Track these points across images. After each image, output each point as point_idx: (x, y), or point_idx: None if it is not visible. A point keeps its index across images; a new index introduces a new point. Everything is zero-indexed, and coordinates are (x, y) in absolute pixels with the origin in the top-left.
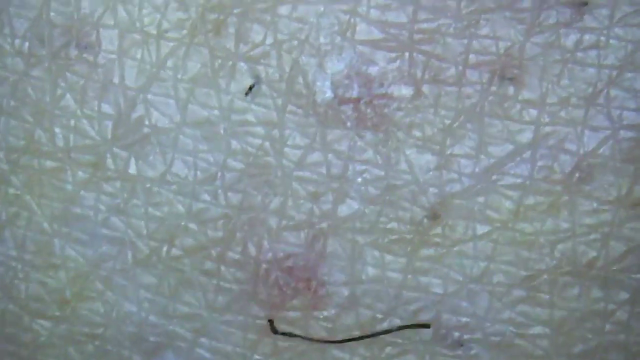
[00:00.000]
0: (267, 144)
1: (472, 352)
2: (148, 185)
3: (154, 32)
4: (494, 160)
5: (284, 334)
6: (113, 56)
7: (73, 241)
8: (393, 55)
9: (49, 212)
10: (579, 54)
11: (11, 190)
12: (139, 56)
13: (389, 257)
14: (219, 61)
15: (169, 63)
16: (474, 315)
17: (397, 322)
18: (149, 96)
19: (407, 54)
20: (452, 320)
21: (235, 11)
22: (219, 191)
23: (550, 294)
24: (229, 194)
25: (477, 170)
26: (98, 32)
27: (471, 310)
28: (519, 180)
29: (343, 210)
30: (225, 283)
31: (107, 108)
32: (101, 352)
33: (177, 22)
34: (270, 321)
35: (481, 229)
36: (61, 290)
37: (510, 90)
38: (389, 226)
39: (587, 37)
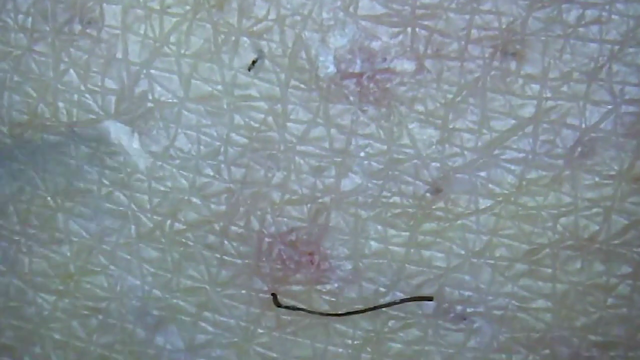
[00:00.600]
0: (270, 118)
1: (475, 325)
2: (151, 160)
3: (157, 7)
4: (496, 135)
5: (287, 307)
6: (116, 31)
7: (76, 215)
8: (395, 30)
9: (53, 186)
10: (581, 29)
11: (15, 165)
12: (142, 31)
13: (391, 231)
14: (222, 36)
15: (172, 38)
16: (476, 289)
17: (400, 295)
18: (152, 71)
19: (409, 29)
20: (454, 294)
21: None
22: (222, 165)
23: (552, 267)
24: (232, 168)
25: (479, 144)
26: (101, 7)
27: (474, 284)
28: (521, 155)
29: (346, 184)
30: (228, 257)
31: (110, 83)
32: (105, 325)
33: None
34: (274, 294)
35: (484, 203)
36: (65, 264)
37: (513, 65)
38: (391, 200)
39: (589, 12)
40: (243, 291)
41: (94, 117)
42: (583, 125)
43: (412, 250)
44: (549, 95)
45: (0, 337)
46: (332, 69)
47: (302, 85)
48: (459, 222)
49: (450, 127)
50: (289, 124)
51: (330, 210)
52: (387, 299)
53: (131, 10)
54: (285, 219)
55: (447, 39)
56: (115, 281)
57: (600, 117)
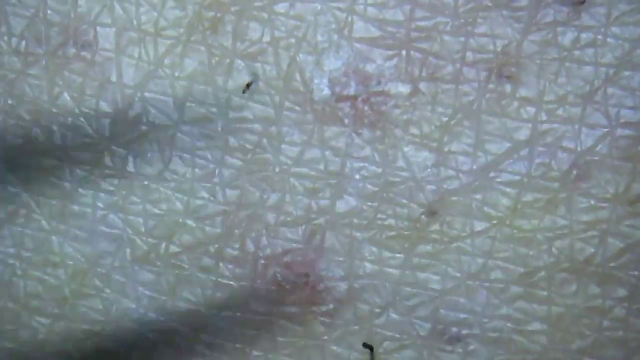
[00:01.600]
0: (264, 140)
1: (470, 347)
2: (146, 183)
3: (151, 30)
4: (491, 158)
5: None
6: (110, 54)
7: (71, 239)
8: (390, 52)
9: (47, 210)
10: (576, 52)
11: (9, 188)
12: (136, 54)
13: (386, 253)
14: (216, 59)
15: (167, 61)
16: (471, 311)
17: (395, 317)
18: (147, 94)
19: (404, 52)
20: (450, 315)
21: (232, 9)
22: (217, 188)
23: (547, 290)
24: (227, 190)
25: (474, 167)
26: (95, 30)
27: (469, 306)
28: (516, 178)
29: (341, 206)
30: (223, 279)
31: (104, 106)
32: (100, 348)
33: (175, 20)
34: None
35: (479, 226)
36: (60, 287)
37: (508, 88)
38: (386, 222)
39: (584, 35)
40: (238, 313)
41: (88, 140)
42: (578, 149)
43: (407, 272)
44: (544, 118)
45: None
46: (326, 91)
47: (297, 108)
48: (454, 244)
49: (445, 149)
50: (283, 146)
51: (325, 231)
52: (382, 320)
53: (125, 33)
54: (280, 241)
55: (442, 61)
56: (110, 304)
57: (596, 140)
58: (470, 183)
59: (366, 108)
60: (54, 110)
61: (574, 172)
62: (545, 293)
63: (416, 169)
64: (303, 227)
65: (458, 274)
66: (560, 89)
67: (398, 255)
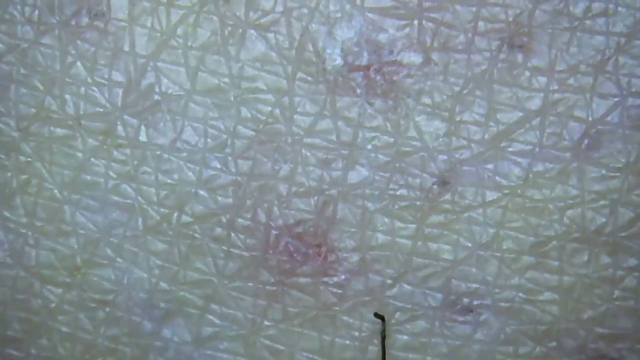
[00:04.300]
0: (277, 111)
1: (482, 317)
2: (158, 153)
3: None
4: (503, 127)
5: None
6: (123, 24)
7: (83, 208)
8: (402, 22)
9: (60, 179)
10: (588, 22)
11: (22, 158)
12: (149, 24)
13: (398, 224)
14: (229, 28)
15: (179, 31)
16: (483, 282)
17: (407, 288)
18: (159, 64)
19: (416, 22)
20: (461, 286)
21: None
22: (229, 158)
23: (559, 260)
24: (239, 161)
25: (486, 137)
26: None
27: (480, 277)
28: (528, 147)
29: (353, 176)
30: (235, 249)
31: (117, 76)
32: (112, 318)
33: None
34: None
35: (490, 196)
36: (72, 256)
37: (519, 57)
38: (398, 193)
39: (595, 4)
40: (250, 283)
41: (101, 109)
42: (590, 118)
43: (419, 242)
44: (555, 87)
45: (7, 330)
46: (339, 61)
47: (309, 78)
48: (465, 214)
49: (457, 119)
50: (295, 117)
51: (337, 202)
52: (394, 291)
53: (138, 2)
54: (292, 211)
55: (454, 31)
56: (122, 274)
57: (607, 109)
58: (482, 153)
59: (378, 78)
60: (67, 79)
61: (585, 141)
62: (556, 263)
63: (428, 138)
64: (315, 197)
65: (469, 244)
66: (572, 58)
67: (410, 225)
